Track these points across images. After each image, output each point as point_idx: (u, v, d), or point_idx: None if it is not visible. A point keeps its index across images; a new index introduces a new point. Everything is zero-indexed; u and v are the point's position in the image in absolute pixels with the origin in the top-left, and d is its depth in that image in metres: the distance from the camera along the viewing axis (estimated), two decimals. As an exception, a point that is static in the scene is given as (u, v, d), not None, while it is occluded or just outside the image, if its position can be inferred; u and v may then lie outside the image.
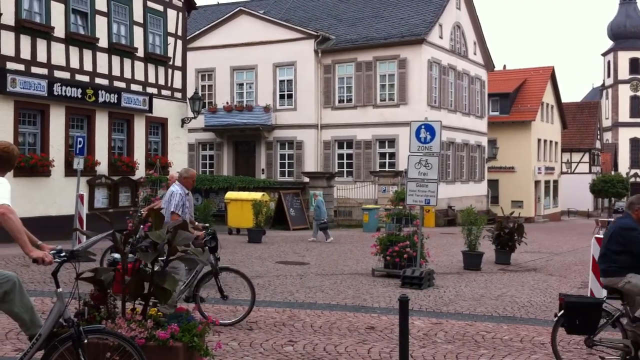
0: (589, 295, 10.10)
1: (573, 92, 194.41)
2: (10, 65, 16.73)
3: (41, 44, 17.61)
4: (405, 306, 5.78)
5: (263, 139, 34.40)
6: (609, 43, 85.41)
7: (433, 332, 8.34)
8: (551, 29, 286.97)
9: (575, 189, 55.99)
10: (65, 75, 18.28)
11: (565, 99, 55.24)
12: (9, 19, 16.77)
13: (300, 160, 33.49)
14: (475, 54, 38.16)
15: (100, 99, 19.17)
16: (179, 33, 22.94)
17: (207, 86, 35.69)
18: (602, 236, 10.48)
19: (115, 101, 19.71)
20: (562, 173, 54.70)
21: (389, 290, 11.60)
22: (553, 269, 16.21)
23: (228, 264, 14.28)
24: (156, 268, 5.41)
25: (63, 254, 4.56)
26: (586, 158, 60.68)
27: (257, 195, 22.35)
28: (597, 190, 53.56)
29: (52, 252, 4.57)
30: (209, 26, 35.59)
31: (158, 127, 22.16)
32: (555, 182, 51.96)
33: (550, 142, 50.04)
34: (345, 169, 32.96)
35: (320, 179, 28.10)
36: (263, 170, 34.42)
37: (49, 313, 4.64)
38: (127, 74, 20.47)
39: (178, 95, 22.86)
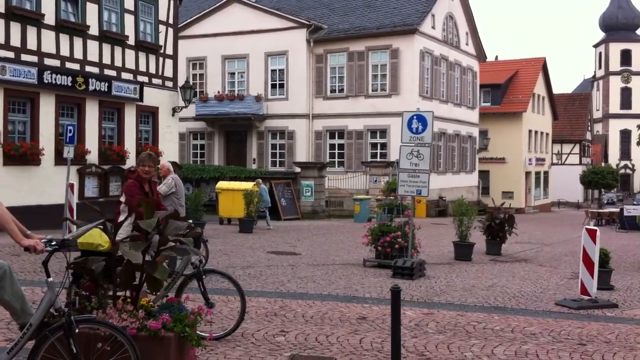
0: (579, 286, 10.15)
1: (564, 83, 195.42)
2: (-1, 53, 16.60)
3: (31, 31, 17.44)
4: (397, 296, 5.77)
5: (254, 129, 34.32)
6: (601, 35, 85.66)
7: (424, 322, 8.36)
8: (543, 20, 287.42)
9: (565, 180, 56.29)
10: (56, 63, 18.12)
11: (556, 90, 55.44)
12: (-1, 6, 16.62)
13: (291, 150, 33.45)
14: (467, 44, 38.15)
15: (91, 87, 19.03)
16: (170, 21, 22.78)
17: (198, 75, 35.52)
18: (592, 227, 10.54)
19: (106, 89, 19.57)
20: (552, 164, 54.92)
21: (381, 281, 11.62)
22: (543, 259, 16.29)
23: (220, 254, 14.25)
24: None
25: (54, 243, 4.52)
26: (577, 149, 60.99)
27: (249, 185, 22.33)
28: (587, 181, 53.85)
29: (42, 241, 4.54)
30: (200, 14, 35.38)
31: (149, 116, 22.03)
32: (546, 173, 52.18)
33: (541, 133, 50.20)
34: (336, 159, 32.94)
35: (312, 169, 28.10)
36: (254, 160, 34.36)
37: (40, 302, 4.61)
38: (118, 62, 20.32)
39: (169, 84, 22.72)
